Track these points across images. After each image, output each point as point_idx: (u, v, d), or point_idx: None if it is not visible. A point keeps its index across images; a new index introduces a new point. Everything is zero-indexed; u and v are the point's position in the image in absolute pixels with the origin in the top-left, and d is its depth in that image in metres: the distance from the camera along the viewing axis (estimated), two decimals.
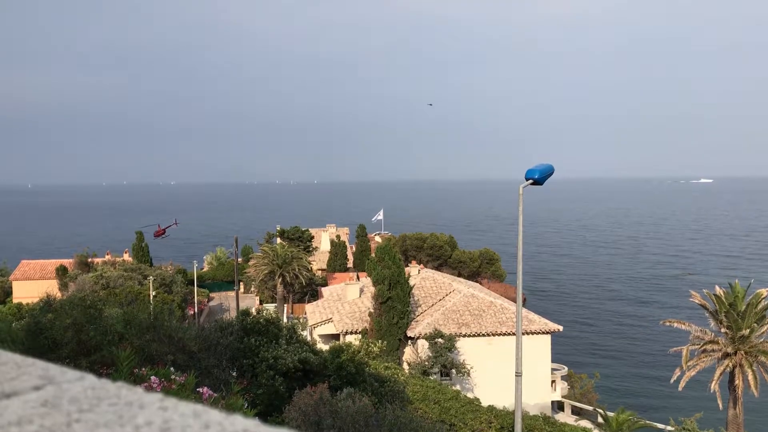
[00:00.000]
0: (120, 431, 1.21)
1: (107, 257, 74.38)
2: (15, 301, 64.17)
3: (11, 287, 71.42)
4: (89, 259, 71.31)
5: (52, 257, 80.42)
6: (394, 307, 39.33)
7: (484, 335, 41.03)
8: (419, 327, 40.89)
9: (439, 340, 38.62)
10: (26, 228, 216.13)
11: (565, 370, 46.03)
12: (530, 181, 16.87)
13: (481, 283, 67.56)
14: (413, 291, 42.18)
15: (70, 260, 71.78)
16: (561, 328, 42.80)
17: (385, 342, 37.74)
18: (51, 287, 53.11)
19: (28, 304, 44.63)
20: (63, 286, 61.96)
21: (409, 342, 40.77)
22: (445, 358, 38.30)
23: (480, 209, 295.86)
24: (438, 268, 74.34)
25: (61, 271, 67.17)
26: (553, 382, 42.65)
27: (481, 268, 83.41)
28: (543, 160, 18.56)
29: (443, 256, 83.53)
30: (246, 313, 20.88)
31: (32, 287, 64.27)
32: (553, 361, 43.11)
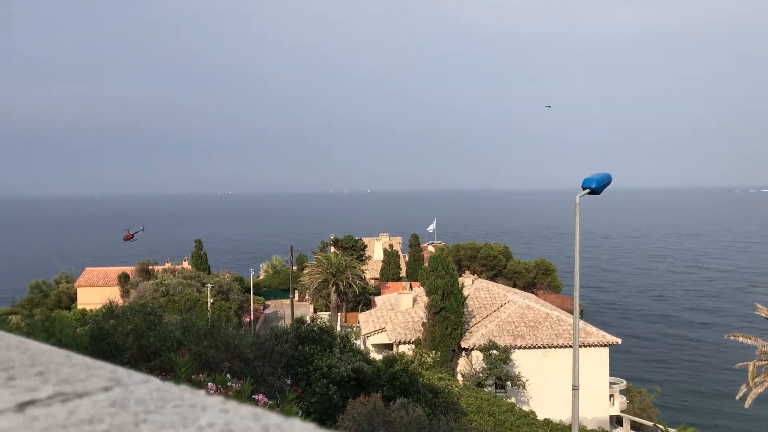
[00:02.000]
0: None
1: (167, 265, 76.31)
2: (79, 306, 66.40)
3: (76, 293, 73.97)
4: (150, 267, 73.26)
5: (114, 265, 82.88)
6: (447, 318, 39.12)
7: (540, 347, 40.40)
8: (473, 338, 40.54)
9: (494, 351, 38.20)
10: (92, 236, 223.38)
11: (623, 383, 44.88)
12: (587, 190, 16.58)
13: (536, 294, 66.62)
14: (467, 301, 41.87)
15: (132, 268, 73.92)
16: (619, 341, 41.81)
17: (439, 353, 37.53)
18: (113, 294, 54.79)
19: (91, 310, 46.01)
20: (125, 293, 63.81)
21: (463, 353, 40.46)
22: (500, 370, 37.85)
23: (536, 219, 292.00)
24: (492, 278, 73.67)
25: (123, 279, 69.26)
26: (611, 396, 41.66)
27: (536, 279, 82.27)
28: (602, 169, 18.24)
29: (498, 267, 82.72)
30: (300, 321, 21.08)
31: (95, 294, 66.47)
32: (611, 374, 42.12)
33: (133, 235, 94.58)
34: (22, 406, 1.35)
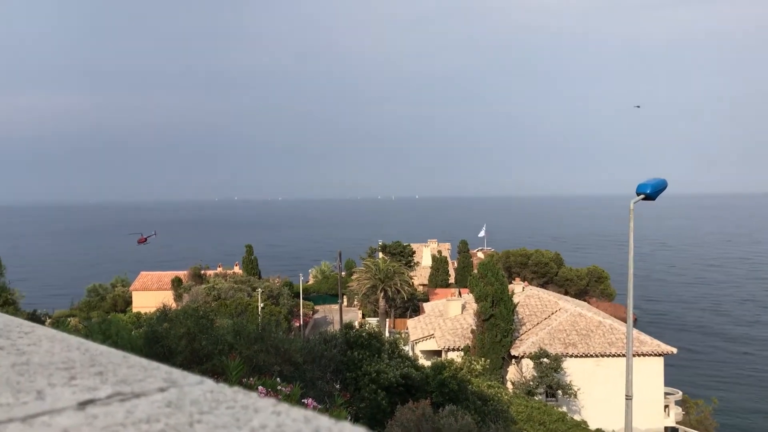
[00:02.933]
0: None
1: (219, 270, 77.65)
2: (134, 310, 68.09)
3: (131, 297, 75.92)
4: (202, 272, 74.66)
5: (168, 269, 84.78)
6: (497, 325, 38.77)
7: (592, 356, 39.69)
8: (524, 346, 40.09)
9: (545, 359, 37.69)
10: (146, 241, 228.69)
11: (679, 394, 43.71)
12: (642, 196, 16.26)
13: (589, 302, 65.46)
14: (517, 309, 41.44)
15: (185, 272, 75.50)
16: (674, 350, 40.77)
17: (488, 360, 37.21)
18: (167, 298, 56.02)
19: (146, 314, 47.20)
20: (178, 297, 65.17)
21: (513, 361, 40.03)
22: (550, 378, 37.32)
23: (588, 225, 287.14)
24: (543, 285, 72.69)
25: (176, 283, 70.79)
26: (666, 406, 40.62)
27: (589, 287, 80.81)
28: (656, 175, 17.89)
29: (549, 274, 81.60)
30: (349, 326, 21.19)
31: (150, 297, 68.09)
32: (666, 384, 41.10)
33: (146, 239, 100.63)
34: (83, 405, 1.40)
